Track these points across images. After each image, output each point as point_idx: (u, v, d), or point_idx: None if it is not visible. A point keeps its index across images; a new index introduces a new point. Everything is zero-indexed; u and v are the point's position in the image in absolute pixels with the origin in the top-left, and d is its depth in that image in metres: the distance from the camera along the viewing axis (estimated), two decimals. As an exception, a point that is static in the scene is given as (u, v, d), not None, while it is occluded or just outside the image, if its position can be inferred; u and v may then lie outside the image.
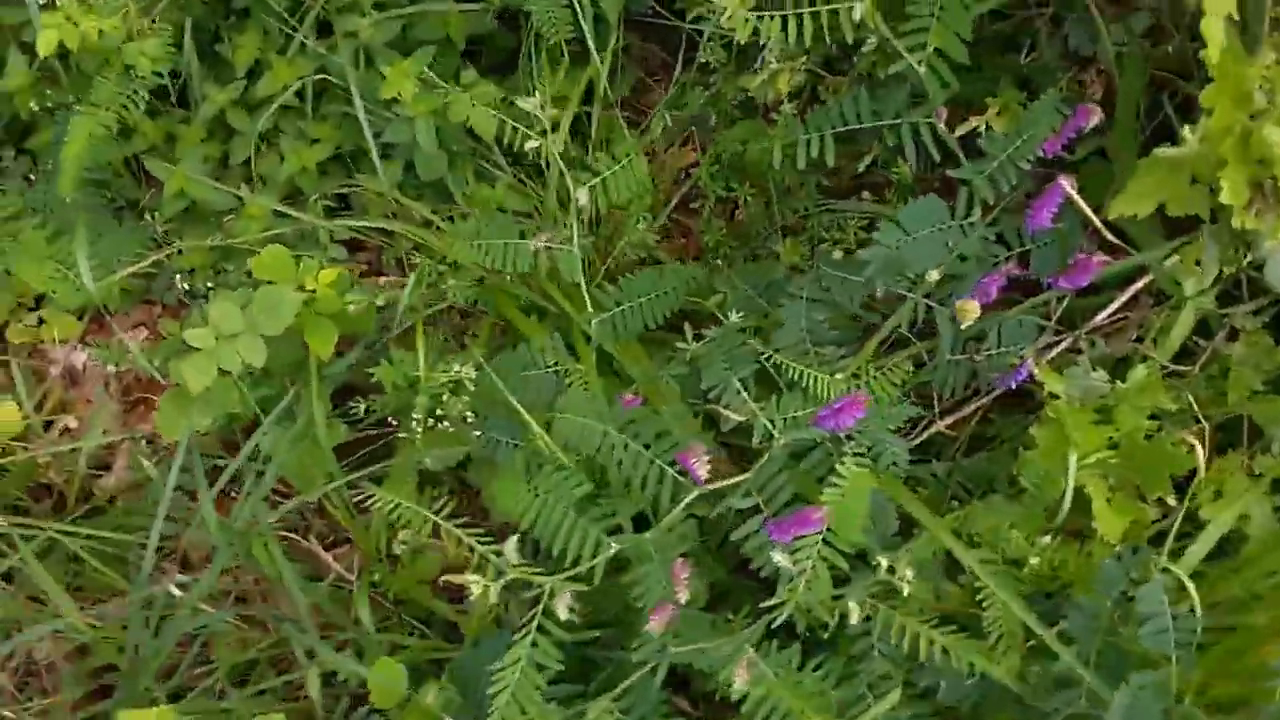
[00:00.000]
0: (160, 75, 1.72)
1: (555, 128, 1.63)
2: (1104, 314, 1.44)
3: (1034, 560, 1.29)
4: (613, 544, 1.22)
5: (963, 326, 1.26)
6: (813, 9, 1.28)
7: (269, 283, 1.58)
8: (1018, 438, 1.40)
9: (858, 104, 1.37)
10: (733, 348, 1.38)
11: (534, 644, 1.15)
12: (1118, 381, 1.35)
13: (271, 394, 1.63)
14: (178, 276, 1.78)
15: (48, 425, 1.79)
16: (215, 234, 1.80)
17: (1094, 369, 1.37)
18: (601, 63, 1.73)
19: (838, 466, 1.28)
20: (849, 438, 1.37)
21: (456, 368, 1.40)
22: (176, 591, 1.55)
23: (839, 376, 1.34)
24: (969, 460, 1.48)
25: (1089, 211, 1.23)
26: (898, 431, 1.41)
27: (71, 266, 1.63)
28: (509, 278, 1.52)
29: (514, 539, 1.11)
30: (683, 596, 1.14)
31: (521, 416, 1.31)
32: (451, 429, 1.48)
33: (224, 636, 1.50)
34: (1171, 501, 1.33)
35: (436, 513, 1.19)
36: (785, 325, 1.41)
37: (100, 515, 1.67)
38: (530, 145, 1.41)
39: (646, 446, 1.28)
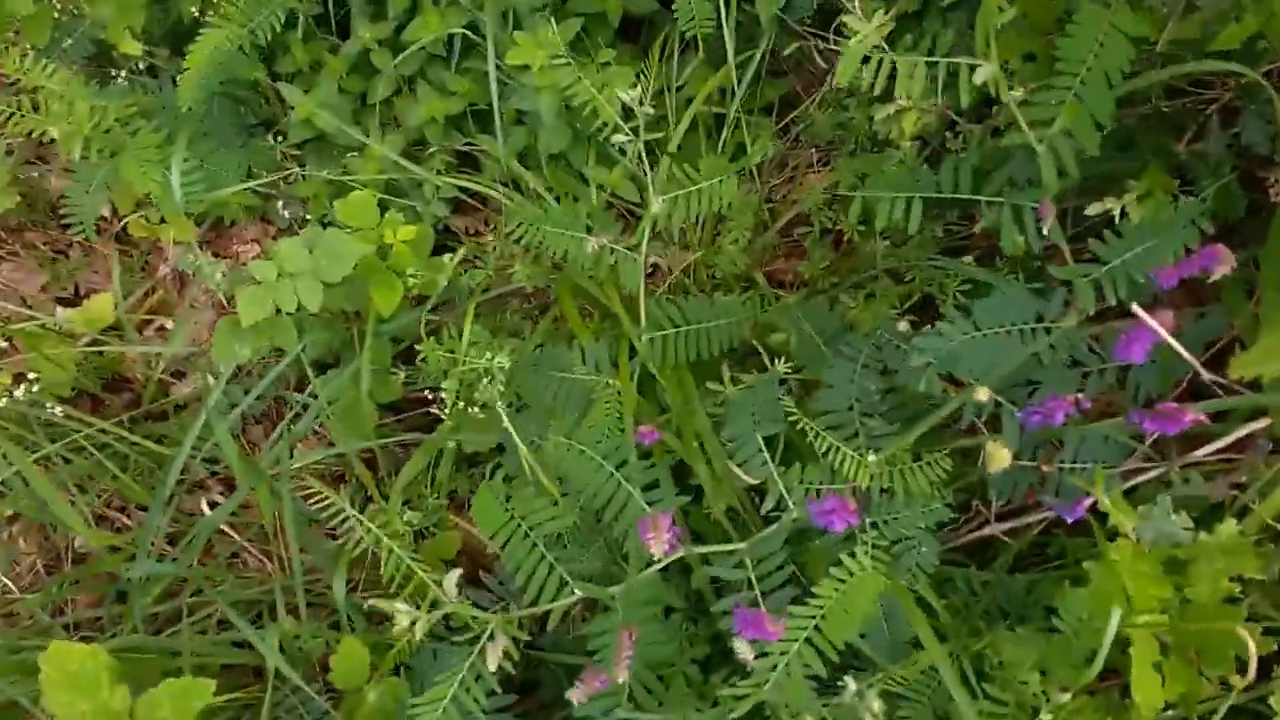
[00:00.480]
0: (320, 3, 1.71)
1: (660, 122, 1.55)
2: (1207, 449, 1.26)
3: (1047, 718, 1.14)
4: (576, 590, 1.14)
5: (990, 471, 1.10)
6: (930, 59, 1.14)
7: (350, 229, 1.57)
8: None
9: (958, 173, 1.21)
10: (767, 400, 1.26)
11: (465, 688, 1.08)
12: (1202, 532, 1.17)
13: (333, 338, 1.62)
14: (288, 203, 1.79)
15: (147, 323, 1.84)
16: (335, 168, 1.80)
17: (1177, 511, 1.20)
18: (738, 66, 1.62)
19: (844, 558, 1.17)
20: (874, 525, 1.24)
21: (489, 355, 1.33)
22: (206, 509, 1.57)
23: (871, 459, 1.21)
24: (1017, 576, 1.32)
25: (1192, 360, 1.06)
26: (937, 529, 1.27)
27: (184, 173, 1.65)
28: (579, 271, 1.44)
29: (455, 574, 1.04)
30: (620, 675, 1.05)
31: (510, 434, 1.23)
32: (483, 415, 1.42)
33: (225, 575, 1.50)
34: (1236, 681, 1.15)
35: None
36: (833, 387, 1.28)
37: (162, 421, 1.70)
38: (617, 139, 1.32)
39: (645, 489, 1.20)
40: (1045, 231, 1.15)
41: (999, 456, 1.08)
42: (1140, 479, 1.29)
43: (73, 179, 1.71)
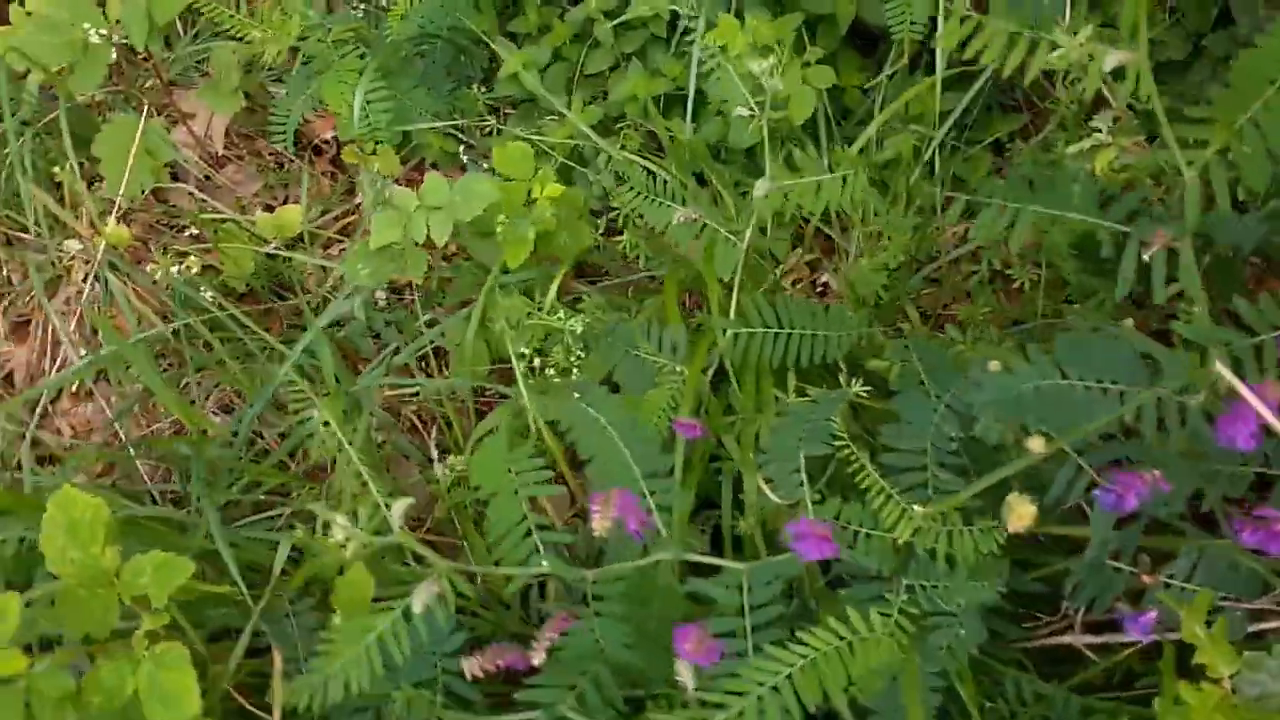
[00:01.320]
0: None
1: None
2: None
3: None
4: (544, 562, 1.05)
5: (1008, 530, 0.91)
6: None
7: (506, 179, 1.54)
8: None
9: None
10: (824, 419, 1.11)
11: (393, 632, 1.01)
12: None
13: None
14: (469, 151, 1.80)
15: (335, 243, 1.89)
16: (532, 129, 1.78)
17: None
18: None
19: (850, 611, 1.01)
20: (910, 589, 1.07)
21: (560, 315, 1.26)
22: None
23: (918, 510, 1.04)
24: (1075, 697, 1.11)
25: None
26: (996, 616, 1.08)
27: (372, 101, 1.68)
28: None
29: (404, 503, 0.97)
30: (536, 658, 0.95)
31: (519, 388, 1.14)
32: (555, 379, 1.35)
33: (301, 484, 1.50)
34: None
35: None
36: (907, 425, 1.11)
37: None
38: (740, 112, 1.23)
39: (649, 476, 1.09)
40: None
41: (1020, 513, 0.89)
42: (1271, 624, 1.05)
43: (283, 90, 1.78)
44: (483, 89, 1.83)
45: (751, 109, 1.20)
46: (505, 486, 1.11)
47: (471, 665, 0.94)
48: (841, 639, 1.00)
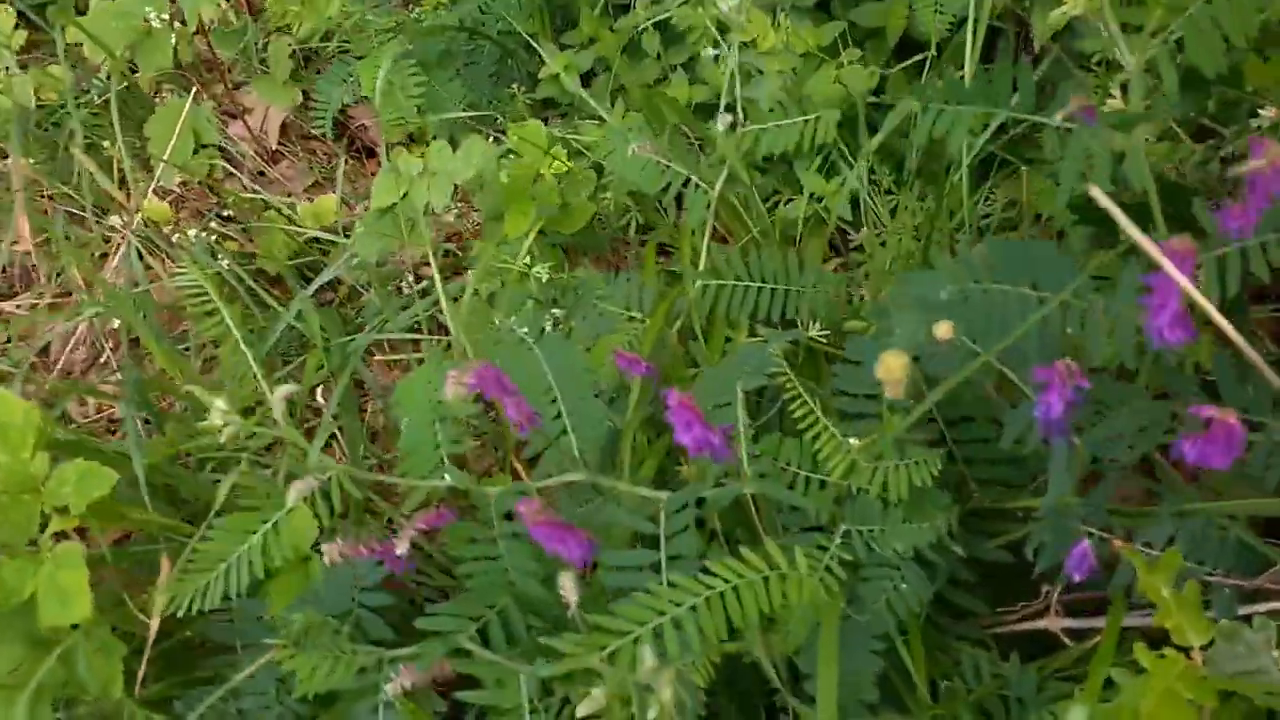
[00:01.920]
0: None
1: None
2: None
3: None
4: (446, 475, 0.99)
5: (887, 396, 0.81)
6: None
7: (519, 155, 1.52)
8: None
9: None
10: (765, 360, 1.02)
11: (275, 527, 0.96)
12: (1300, 677, 0.81)
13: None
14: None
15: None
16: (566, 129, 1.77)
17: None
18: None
19: (769, 547, 0.92)
20: (846, 535, 0.97)
21: (529, 260, 1.21)
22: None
23: (853, 442, 0.95)
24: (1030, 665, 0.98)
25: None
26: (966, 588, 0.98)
27: (403, 86, 1.69)
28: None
29: (284, 390, 0.92)
30: (400, 546, 0.88)
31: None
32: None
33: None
34: None
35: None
36: (860, 366, 1.02)
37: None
38: (707, 51, 1.17)
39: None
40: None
41: (889, 365, 0.79)
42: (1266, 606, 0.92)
43: (325, 75, 1.81)
44: (523, 90, 1.82)
45: (721, 43, 1.13)
46: (423, 406, 1.05)
47: (331, 551, 0.87)
48: (758, 574, 0.91)
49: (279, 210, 1.84)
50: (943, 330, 0.80)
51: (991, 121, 0.92)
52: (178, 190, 1.94)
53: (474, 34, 1.80)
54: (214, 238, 1.71)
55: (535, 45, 1.76)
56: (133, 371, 1.32)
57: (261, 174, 1.99)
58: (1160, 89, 0.84)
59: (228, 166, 1.94)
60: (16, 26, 2.02)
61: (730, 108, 1.23)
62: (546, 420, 1.03)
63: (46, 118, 1.94)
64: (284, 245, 1.79)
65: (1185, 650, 0.86)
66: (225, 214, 1.89)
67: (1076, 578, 0.86)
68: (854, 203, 1.48)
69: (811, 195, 1.52)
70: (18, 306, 1.82)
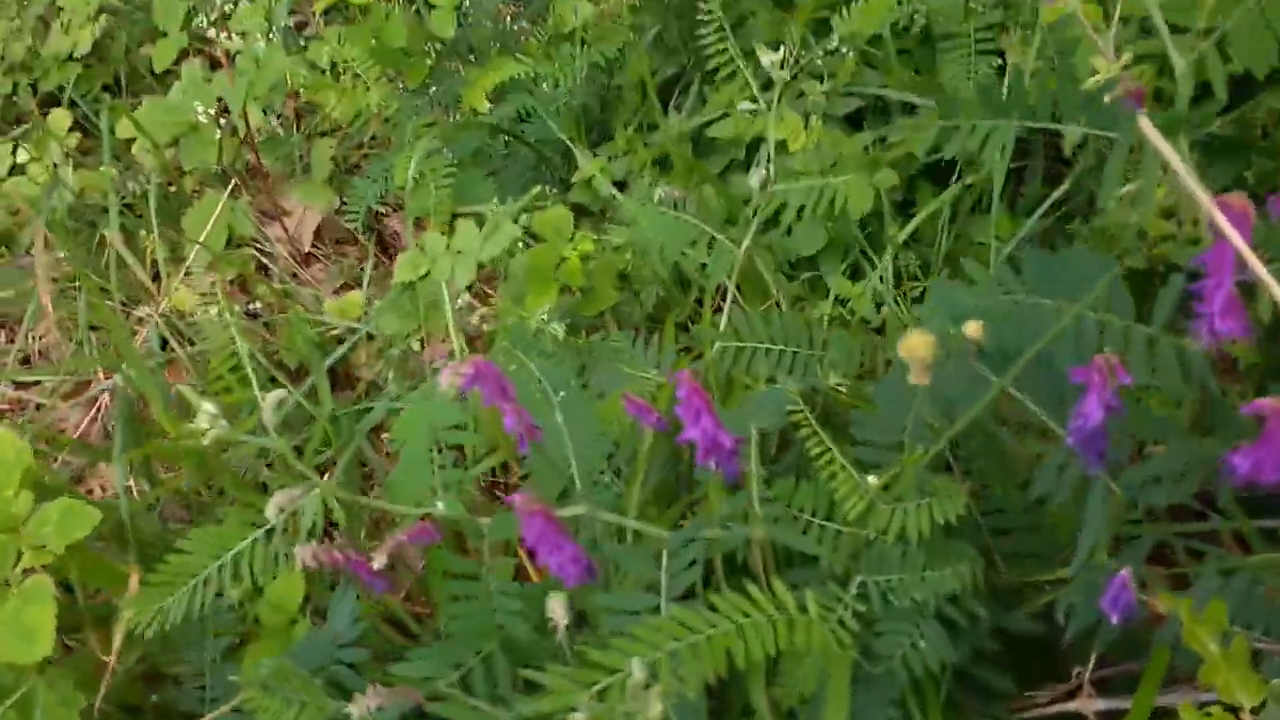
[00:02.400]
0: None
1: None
2: None
3: None
4: (440, 503, 0.93)
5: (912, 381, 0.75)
6: None
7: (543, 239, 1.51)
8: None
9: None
10: (782, 400, 0.97)
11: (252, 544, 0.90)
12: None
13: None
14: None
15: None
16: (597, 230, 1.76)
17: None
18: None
19: (777, 587, 0.85)
20: (862, 585, 0.90)
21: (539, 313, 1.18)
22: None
23: (871, 480, 0.88)
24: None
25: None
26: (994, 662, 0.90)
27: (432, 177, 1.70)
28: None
29: (276, 394, 0.88)
30: (377, 561, 0.82)
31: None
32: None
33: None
34: None
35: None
36: (883, 413, 0.96)
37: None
38: (744, 106, 1.17)
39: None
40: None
41: (912, 344, 0.73)
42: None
43: (361, 173, 1.83)
44: (555, 191, 1.82)
45: (756, 99, 1.12)
46: (422, 435, 1.01)
47: (304, 554, 0.81)
48: (764, 615, 0.84)
49: (304, 306, 1.83)
50: (971, 329, 0.75)
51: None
52: (210, 289, 1.94)
53: (511, 138, 1.81)
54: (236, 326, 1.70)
55: (572, 148, 1.77)
56: (125, 405, 1.28)
57: (294, 275, 1.99)
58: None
59: (263, 262, 1.95)
60: (71, 129, 2.08)
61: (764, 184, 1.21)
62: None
63: (87, 211, 1.96)
64: (306, 338, 1.77)
65: (1234, 711, 0.77)
66: (253, 310, 1.89)
67: (1114, 619, 0.78)
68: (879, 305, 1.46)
69: (836, 298, 1.49)
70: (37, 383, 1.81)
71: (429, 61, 1.96)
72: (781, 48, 1.13)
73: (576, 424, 0.99)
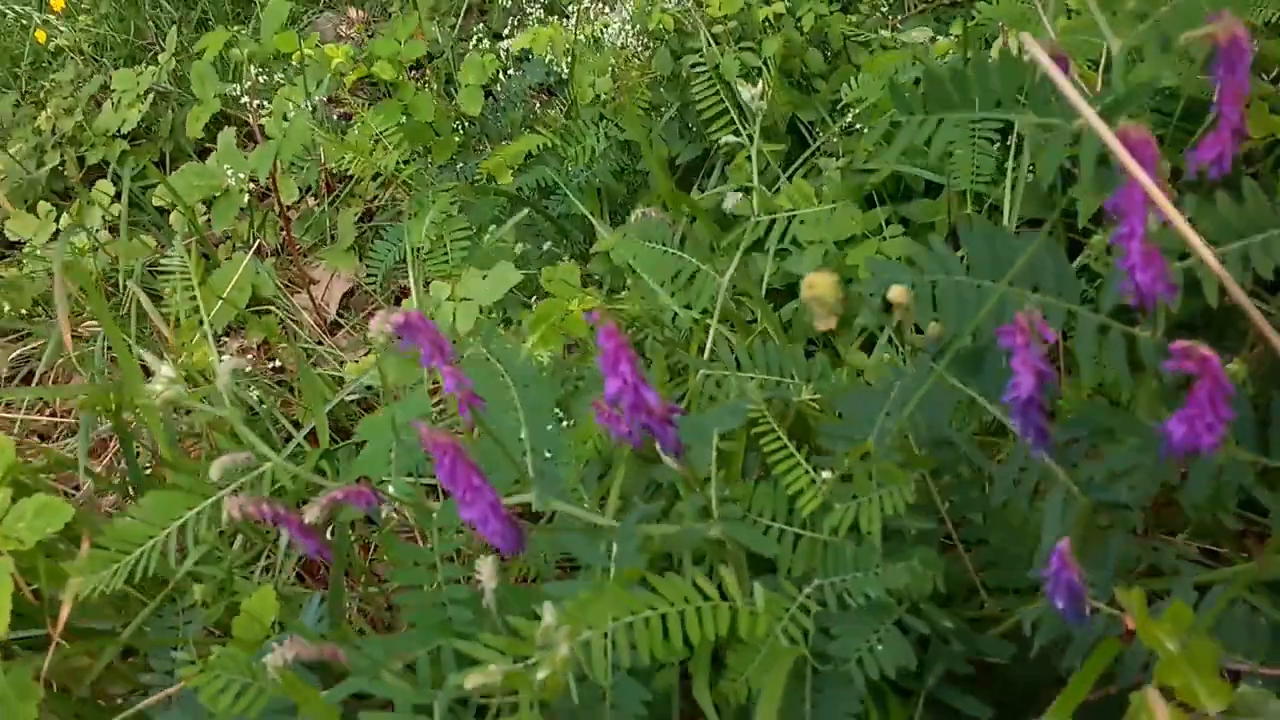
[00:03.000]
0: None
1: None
2: None
3: None
4: (390, 487, 0.92)
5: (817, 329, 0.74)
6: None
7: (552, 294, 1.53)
8: None
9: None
10: (744, 407, 0.96)
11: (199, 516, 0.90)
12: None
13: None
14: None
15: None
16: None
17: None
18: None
19: (723, 575, 0.83)
20: (819, 589, 0.87)
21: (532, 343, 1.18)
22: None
23: (825, 475, 0.87)
24: None
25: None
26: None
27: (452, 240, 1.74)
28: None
29: (231, 362, 0.89)
30: (309, 514, 0.81)
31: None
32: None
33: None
34: None
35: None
36: (848, 423, 0.94)
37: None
38: (727, 140, 1.19)
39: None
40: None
41: (811, 281, 0.71)
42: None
43: (382, 235, 1.87)
44: (572, 260, 1.85)
45: (740, 135, 1.14)
46: (385, 434, 1.00)
47: (233, 505, 0.80)
48: (709, 602, 0.81)
49: (324, 374, 1.86)
50: (896, 294, 0.74)
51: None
52: (235, 353, 1.98)
53: (534, 211, 1.84)
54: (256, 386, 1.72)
55: (593, 222, 1.80)
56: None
57: (319, 343, 2.02)
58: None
59: (291, 328, 1.99)
60: (113, 200, 2.16)
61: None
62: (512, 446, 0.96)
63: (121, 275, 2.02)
64: (316, 392, 1.78)
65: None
66: (277, 374, 1.92)
67: (1059, 605, 0.74)
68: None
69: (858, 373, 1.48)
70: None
71: (457, 139, 2.02)
72: (760, 83, 1.15)
73: (536, 418, 0.98)
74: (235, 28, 2.10)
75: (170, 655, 1.14)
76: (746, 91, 1.13)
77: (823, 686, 0.86)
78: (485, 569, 0.81)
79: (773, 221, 1.65)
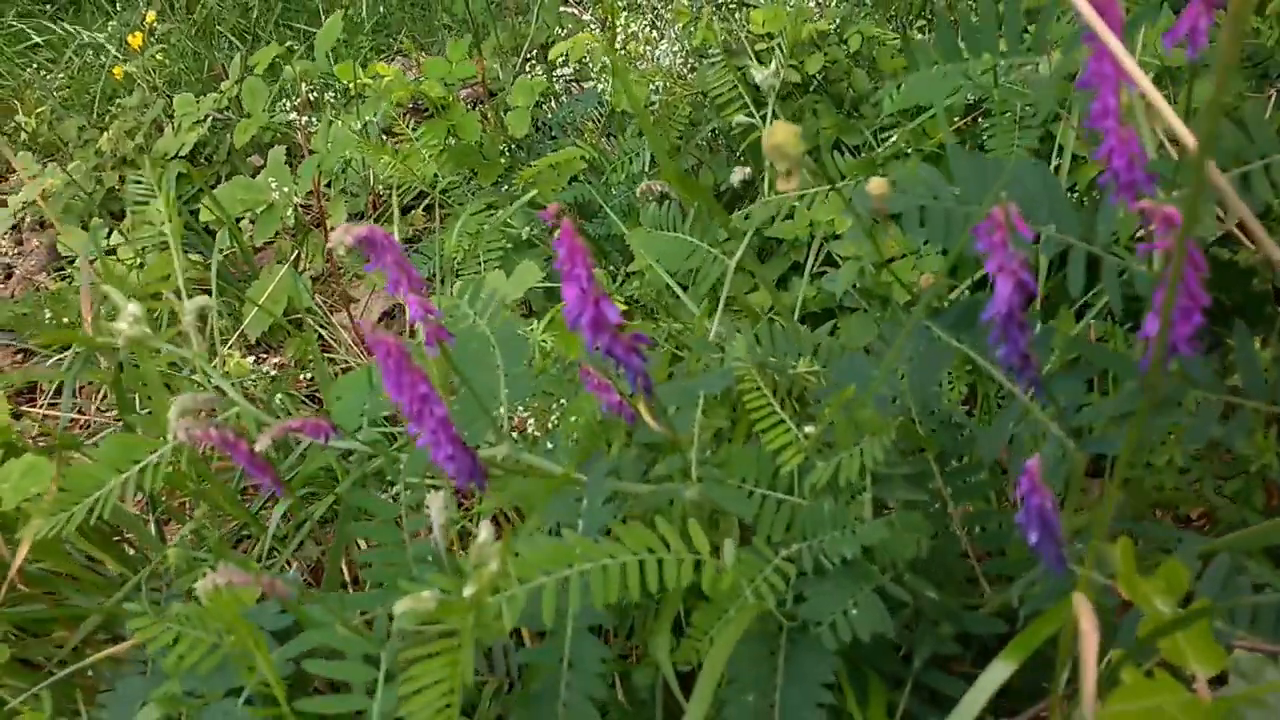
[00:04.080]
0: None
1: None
2: None
3: None
4: (359, 438, 0.89)
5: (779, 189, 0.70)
6: None
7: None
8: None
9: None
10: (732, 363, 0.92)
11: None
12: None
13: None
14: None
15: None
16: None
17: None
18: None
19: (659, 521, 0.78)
20: (799, 551, 0.82)
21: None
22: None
23: (809, 430, 0.82)
24: None
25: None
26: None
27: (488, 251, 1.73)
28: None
29: (198, 301, 0.88)
30: (261, 443, 0.78)
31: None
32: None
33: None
34: None
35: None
36: (838, 388, 0.89)
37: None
38: (739, 119, 1.16)
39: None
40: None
41: (779, 137, 0.67)
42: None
43: (419, 247, 1.86)
44: (610, 270, 1.82)
45: (750, 111, 1.11)
46: (361, 390, 0.97)
47: (179, 429, 0.78)
48: (674, 555, 0.76)
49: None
50: (874, 186, 0.70)
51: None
52: (273, 370, 1.98)
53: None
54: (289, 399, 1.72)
55: (628, 242, 1.78)
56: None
57: (357, 363, 2.01)
58: None
59: (329, 346, 1.99)
60: (165, 220, 2.19)
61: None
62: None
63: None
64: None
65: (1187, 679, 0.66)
66: (310, 386, 1.91)
67: (1032, 537, 0.67)
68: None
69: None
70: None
71: (503, 161, 2.02)
72: (774, 63, 1.12)
73: (516, 377, 0.95)
74: (294, 48, 2.13)
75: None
76: (759, 73, 1.10)
77: (796, 655, 0.80)
78: (435, 502, 0.77)
79: (810, 239, 1.63)
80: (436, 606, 0.67)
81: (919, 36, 1.86)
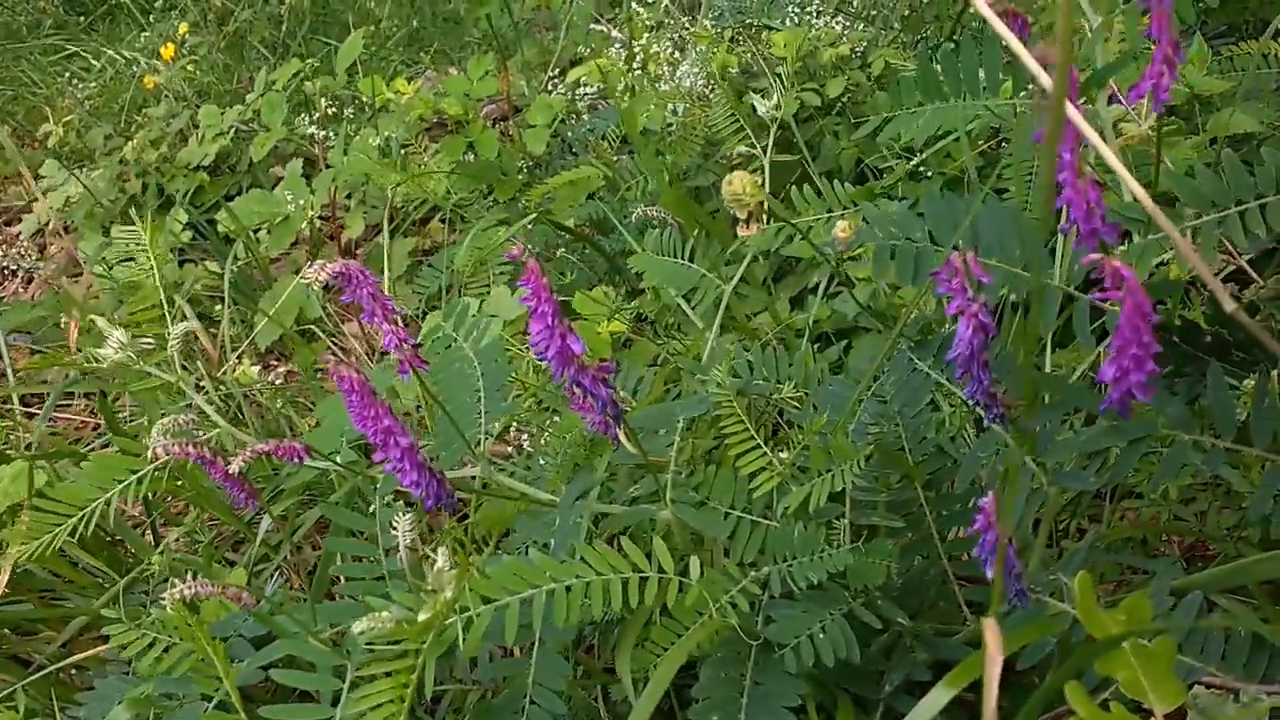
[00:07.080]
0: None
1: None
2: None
3: None
4: (338, 458, 0.90)
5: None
6: None
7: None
8: None
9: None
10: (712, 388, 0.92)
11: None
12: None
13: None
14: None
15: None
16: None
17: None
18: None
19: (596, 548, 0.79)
20: (770, 575, 0.82)
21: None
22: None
23: (783, 456, 0.82)
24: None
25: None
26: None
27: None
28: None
29: (183, 326, 0.89)
30: (234, 465, 0.79)
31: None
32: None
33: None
34: None
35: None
36: (819, 415, 0.89)
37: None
38: (740, 149, 1.16)
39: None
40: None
41: (736, 184, 0.67)
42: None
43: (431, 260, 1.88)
44: (623, 288, 1.82)
45: (751, 143, 1.11)
46: (343, 412, 0.98)
47: (158, 446, 0.79)
48: (638, 573, 0.76)
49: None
50: (840, 229, 0.70)
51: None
52: (283, 379, 2.00)
53: (587, 243, 1.83)
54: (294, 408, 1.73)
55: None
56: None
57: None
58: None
59: (338, 356, 2.00)
60: (185, 228, 2.22)
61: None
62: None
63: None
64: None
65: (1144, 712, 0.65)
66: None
67: (988, 571, 0.66)
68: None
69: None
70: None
71: (521, 178, 2.03)
72: (775, 96, 1.12)
73: (495, 398, 0.95)
74: (320, 63, 2.15)
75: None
76: (761, 106, 1.11)
77: (763, 678, 0.80)
78: (401, 523, 0.77)
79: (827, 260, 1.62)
80: (393, 627, 0.67)
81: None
